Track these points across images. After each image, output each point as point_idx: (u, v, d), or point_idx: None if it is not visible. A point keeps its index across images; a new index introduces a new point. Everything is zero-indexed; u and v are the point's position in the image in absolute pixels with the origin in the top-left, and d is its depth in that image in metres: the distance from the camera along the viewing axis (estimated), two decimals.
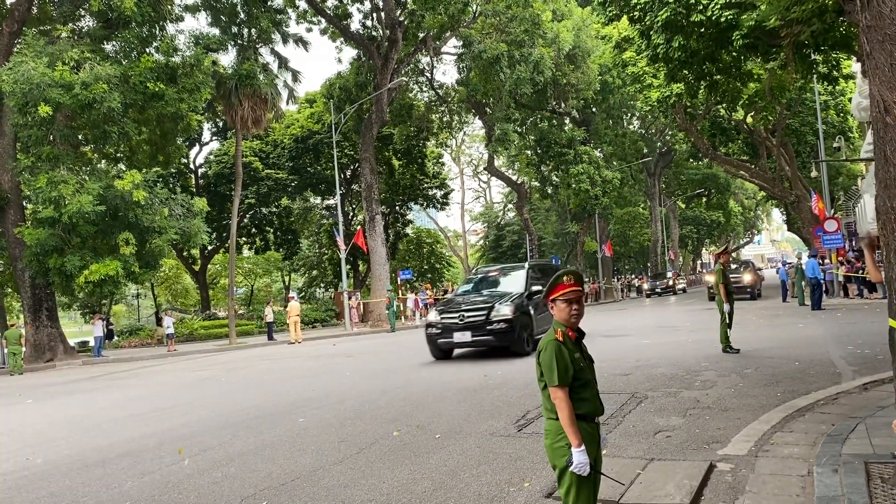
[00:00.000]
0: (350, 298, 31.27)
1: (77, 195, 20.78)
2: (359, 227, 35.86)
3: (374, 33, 34.66)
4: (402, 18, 32.72)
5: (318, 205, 50.96)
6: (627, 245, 62.27)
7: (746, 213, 76.88)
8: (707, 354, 12.10)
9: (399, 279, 38.67)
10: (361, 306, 34.17)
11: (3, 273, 30.81)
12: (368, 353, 18.36)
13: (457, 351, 15.07)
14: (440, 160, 51.05)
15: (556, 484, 3.63)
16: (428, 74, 41.83)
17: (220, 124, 40.07)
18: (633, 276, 64.57)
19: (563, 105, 42.15)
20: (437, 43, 35.90)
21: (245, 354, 22.52)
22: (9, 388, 17.18)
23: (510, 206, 62.84)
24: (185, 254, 40.66)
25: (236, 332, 28.46)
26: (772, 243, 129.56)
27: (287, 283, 58.68)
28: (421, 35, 34.40)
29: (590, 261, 56.28)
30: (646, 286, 50.49)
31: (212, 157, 41.85)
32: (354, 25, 34.93)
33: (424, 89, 43.02)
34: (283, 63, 32.89)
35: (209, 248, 41.65)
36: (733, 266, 33.04)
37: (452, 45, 38.01)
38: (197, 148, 41.79)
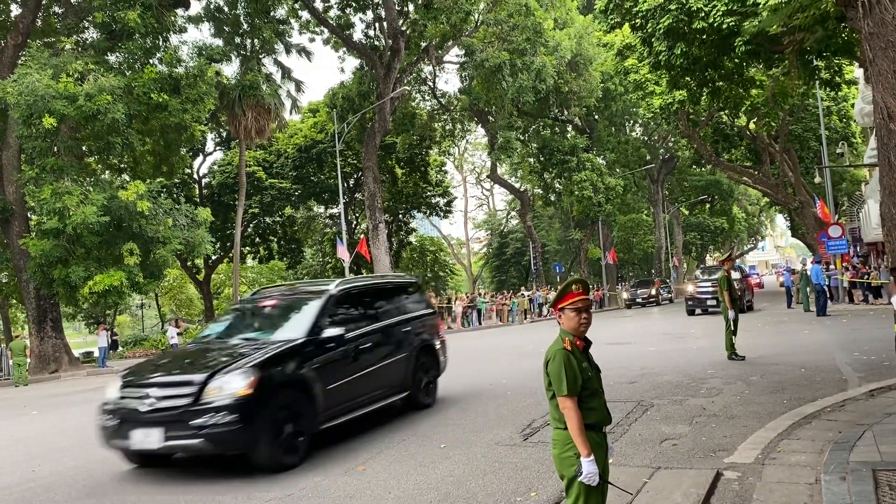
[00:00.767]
0: None
1: (81, 206, 20.82)
2: (362, 236, 35.86)
3: (376, 43, 34.78)
4: (404, 28, 32.83)
5: (321, 214, 51.02)
6: (631, 252, 62.17)
7: (750, 220, 76.72)
8: (712, 362, 12.07)
9: None
10: None
11: (8, 284, 30.85)
12: None
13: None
14: (443, 168, 51.10)
15: (564, 494, 3.62)
16: (430, 83, 41.95)
17: (224, 134, 40.15)
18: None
19: (565, 113, 42.19)
20: (440, 52, 36.00)
21: None
22: (14, 399, 17.18)
23: (513, 213, 62.85)
24: (188, 263, 40.68)
25: None
26: (776, 249, 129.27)
27: None
28: (423, 44, 34.50)
29: (594, 268, 56.20)
30: (625, 296, 44.90)
31: (215, 167, 41.94)
32: (357, 35, 35.07)
33: (427, 98, 43.10)
34: (286, 73, 33.03)
35: (213, 257, 41.66)
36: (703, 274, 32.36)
37: (455, 54, 38.15)
38: (201, 158, 41.87)
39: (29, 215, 24.40)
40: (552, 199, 46.74)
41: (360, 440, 7.84)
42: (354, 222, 47.24)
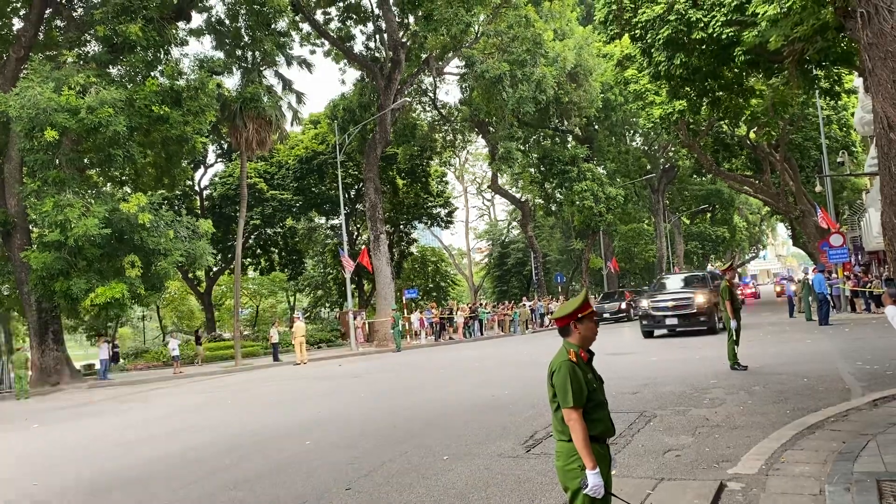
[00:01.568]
0: (355, 318, 31.24)
1: (83, 218, 20.85)
2: (363, 247, 35.87)
3: (377, 55, 34.93)
4: (404, 40, 32.97)
5: (322, 225, 51.05)
6: (633, 261, 62.13)
7: (751, 229, 76.75)
8: (715, 371, 12.04)
9: (404, 298, 38.66)
10: (367, 326, 34.11)
11: (10, 297, 30.85)
12: (375, 374, 18.30)
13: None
14: (444, 179, 51.20)
15: None
16: (431, 94, 42.08)
17: (225, 146, 40.23)
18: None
19: (565, 123, 42.28)
20: (440, 63, 36.14)
21: (251, 376, 22.48)
22: (15, 412, 17.16)
23: (514, 223, 62.86)
24: (190, 275, 40.69)
25: (242, 354, 28.39)
26: (777, 258, 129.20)
27: (292, 304, 58.65)
28: (424, 56, 34.64)
29: (595, 278, 56.15)
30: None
31: (217, 178, 42.00)
32: (358, 47, 35.21)
33: (428, 109, 43.22)
34: (287, 85, 33.09)
35: (214, 269, 41.68)
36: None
37: (455, 65, 38.36)
38: (202, 170, 41.95)
39: (31, 228, 24.45)
40: (553, 209, 46.76)
41: (362, 451, 7.82)
42: (356, 233, 47.26)
